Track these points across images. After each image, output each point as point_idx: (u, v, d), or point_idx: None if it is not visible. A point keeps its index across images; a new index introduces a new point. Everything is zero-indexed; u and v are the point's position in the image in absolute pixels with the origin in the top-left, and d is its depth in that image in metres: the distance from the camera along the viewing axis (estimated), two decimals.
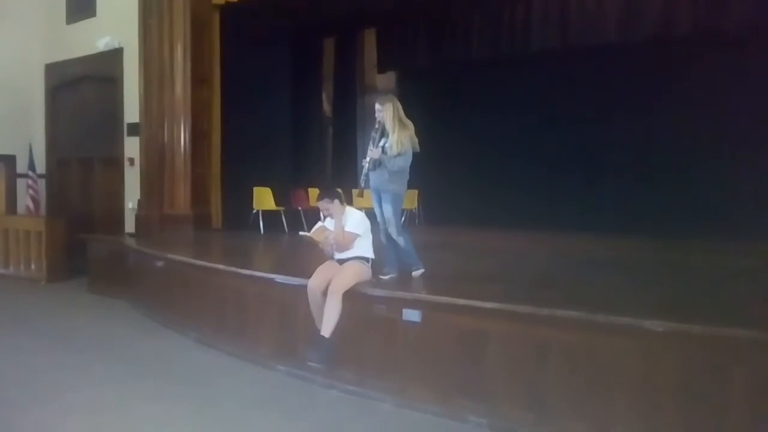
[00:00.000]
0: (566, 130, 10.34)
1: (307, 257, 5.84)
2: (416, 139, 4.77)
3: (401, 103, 4.82)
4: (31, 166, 10.78)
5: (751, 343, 3.18)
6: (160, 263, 6.69)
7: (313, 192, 10.15)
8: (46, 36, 11.04)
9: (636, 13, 9.35)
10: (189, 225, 8.87)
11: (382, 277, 4.79)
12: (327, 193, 4.63)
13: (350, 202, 4.77)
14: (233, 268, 5.58)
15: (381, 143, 4.75)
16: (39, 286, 8.98)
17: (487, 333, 3.91)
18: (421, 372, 4.18)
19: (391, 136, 4.69)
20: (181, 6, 8.86)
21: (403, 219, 5.70)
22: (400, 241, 4.87)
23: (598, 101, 10.09)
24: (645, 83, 9.68)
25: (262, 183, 9.71)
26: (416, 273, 4.92)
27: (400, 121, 4.73)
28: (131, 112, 9.60)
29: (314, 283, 4.47)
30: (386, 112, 4.71)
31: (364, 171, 4.80)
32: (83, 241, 8.69)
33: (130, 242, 7.98)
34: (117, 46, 9.85)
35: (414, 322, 4.20)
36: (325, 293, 4.39)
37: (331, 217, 4.62)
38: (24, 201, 10.86)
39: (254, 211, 9.49)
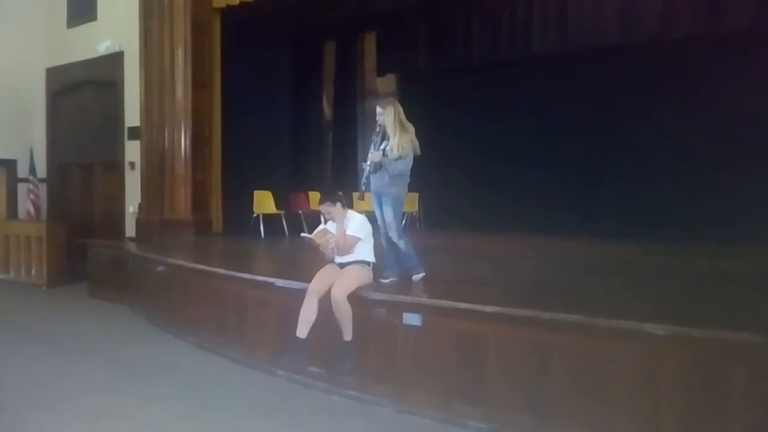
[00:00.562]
0: (566, 134, 10.33)
1: (307, 261, 5.84)
2: (417, 143, 4.77)
3: (401, 107, 4.82)
4: (32, 170, 10.80)
5: (752, 347, 3.17)
6: (160, 268, 6.69)
7: (314, 195, 10.15)
8: (46, 40, 11.07)
9: (635, 17, 9.34)
10: (189, 229, 8.86)
11: (382, 280, 4.78)
12: (329, 197, 4.62)
13: (351, 206, 4.76)
14: (233, 273, 5.57)
15: (382, 146, 4.75)
16: (39, 291, 8.98)
17: (488, 337, 3.90)
18: (421, 377, 4.17)
19: (392, 139, 4.69)
20: (181, 10, 8.87)
21: (403, 222, 5.69)
22: (401, 244, 4.87)
23: (598, 105, 10.08)
24: (645, 87, 9.67)
25: (263, 187, 9.71)
26: (417, 276, 4.92)
27: (401, 124, 4.73)
28: (132, 116, 9.61)
29: (314, 287, 4.46)
30: (387, 115, 4.72)
31: (365, 174, 4.80)
32: (84, 246, 8.70)
33: (131, 247, 7.97)
34: (117, 50, 9.87)
35: (414, 326, 4.19)
36: (323, 298, 4.38)
37: (333, 221, 4.62)
38: (25, 206, 10.88)
39: (255, 215, 9.48)
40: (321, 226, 4.71)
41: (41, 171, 11.06)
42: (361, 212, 4.76)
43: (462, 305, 4.03)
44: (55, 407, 4.25)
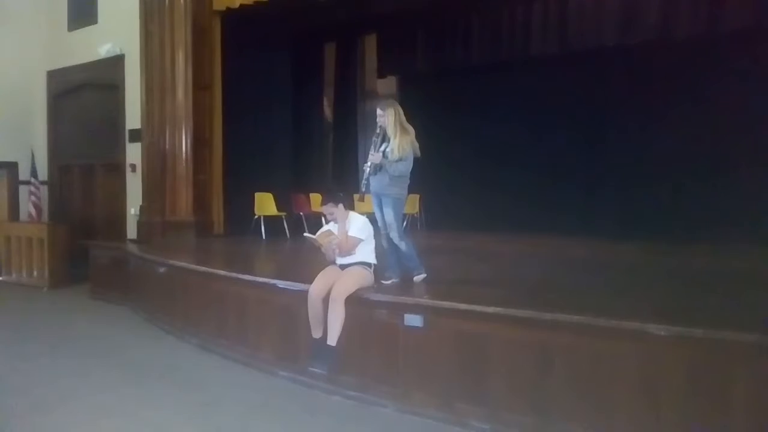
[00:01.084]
0: (566, 135, 10.36)
1: (308, 262, 5.84)
2: (417, 144, 4.78)
3: (401, 108, 4.83)
4: (33, 172, 10.81)
5: (754, 347, 3.17)
6: (161, 269, 6.69)
7: (315, 197, 10.16)
8: (47, 43, 11.09)
9: (635, 18, 9.36)
10: (191, 231, 8.87)
11: (383, 281, 4.79)
12: (331, 198, 4.64)
13: (352, 207, 4.77)
14: (235, 274, 5.58)
15: (382, 148, 4.76)
16: (41, 292, 8.99)
17: (489, 338, 3.90)
18: (422, 377, 4.17)
19: (392, 140, 4.70)
20: (182, 12, 8.88)
21: (404, 224, 5.70)
22: (402, 245, 4.87)
23: (598, 105, 10.11)
24: (645, 87, 9.69)
25: (264, 188, 9.71)
26: (418, 278, 4.92)
27: (402, 126, 4.74)
28: (133, 119, 9.62)
29: (315, 288, 4.47)
30: (388, 117, 4.72)
31: (365, 175, 4.80)
32: (85, 248, 8.71)
33: (132, 248, 7.98)
34: (118, 52, 9.89)
35: (416, 327, 4.20)
36: (326, 299, 4.39)
37: (335, 222, 4.62)
38: (26, 208, 10.88)
39: (256, 217, 9.49)
40: (325, 227, 4.72)
41: (42, 173, 11.07)
42: (361, 213, 4.77)
43: (463, 306, 4.03)
44: (56, 408, 4.26)
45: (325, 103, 12.91)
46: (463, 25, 11.38)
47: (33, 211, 10.76)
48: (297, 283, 4.90)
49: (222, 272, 5.76)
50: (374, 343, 4.41)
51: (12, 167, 11.02)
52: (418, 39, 12.01)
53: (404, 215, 5.41)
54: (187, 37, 8.88)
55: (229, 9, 9.09)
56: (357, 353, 4.42)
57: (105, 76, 10.18)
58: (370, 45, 12.91)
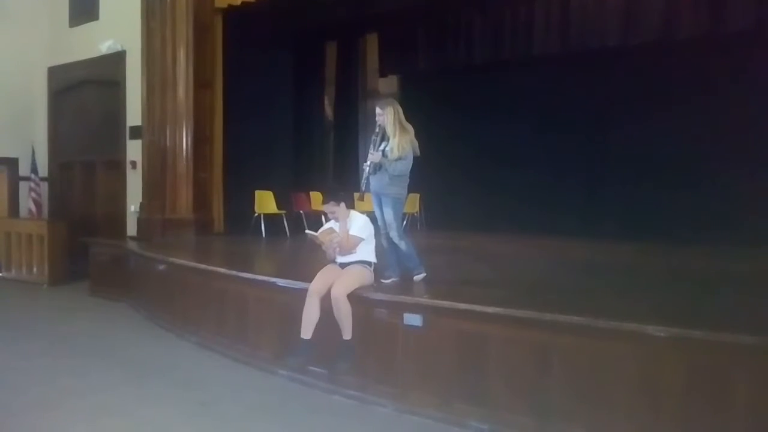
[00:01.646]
0: (567, 135, 10.34)
1: (308, 261, 5.84)
2: (417, 143, 4.78)
3: (402, 108, 4.83)
4: (34, 169, 10.81)
5: (752, 348, 3.17)
6: (161, 267, 6.70)
7: (315, 195, 10.15)
8: (48, 39, 11.09)
9: (637, 18, 9.34)
10: (191, 229, 8.87)
11: (383, 281, 4.79)
12: (333, 196, 4.64)
13: (352, 206, 4.77)
14: (234, 272, 5.58)
15: (381, 147, 4.76)
16: (41, 289, 8.99)
17: (489, 338, 3.90)
18: (422, 377, 4.17)
19: (391, 140, 4.70)
20: (183, 9, 8.88)
21: (404, 223, 5.70)
22: (402, 245, 4.87)
23: (599, 106, 10.10)
24: (646, 88, 9.67)
25: (264, 186, 9.70)
26: (418, 277, 4.92)
27: (401, 125, 4.75)
28: (133, 116, 9.62)
29: (315, 287, 4.47)
30: (387, 116, 4.73)
31: (365, 174, 4.81)
32: (85, 245, 8.72)
33: (132, 246, 7.98)
34: (119, 49, 9.89)
35: (415, 327, 4.20)
36: (324, 298, 4.39)
37: (336, 220, 4.62)
38: (26, 204, 10.88)
39: (256, 215, 9.49)
40: (327, 225, 4.71)
41: (43, 170, 11.07)
42: (361, 212, 4.76)
43: (463, 306, 4.03)
44: (55, 406, 4.26)
45: (326, 101, 12.88)
46: (464, 24, 11.36)
47: (33, 208, 10.76)
48: (297, 282, 4.90)
49: (222, 270, 5.76)
50: (373, 343, 4.41)
51: (12, 163, 11.02)
52: (419, 38, 11.99)
53: (404, 214, 5.40)
54: (189, 34, 8.88)
55: (230, 7, 9.08)
56: (355, 351, 4.40)
57: (106, 72, 10.18)
58: (372, 44, 12.89)
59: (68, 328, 6.66)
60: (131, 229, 9.55)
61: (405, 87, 12.76)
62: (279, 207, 9.77)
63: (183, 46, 8.89)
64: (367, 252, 4.66)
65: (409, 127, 4.80)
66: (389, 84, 12.94)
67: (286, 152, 11.24)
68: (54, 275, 9.16)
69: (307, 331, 4.39)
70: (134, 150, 9.66)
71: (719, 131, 8.91)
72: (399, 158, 4.66)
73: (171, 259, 6.56)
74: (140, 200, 9.39)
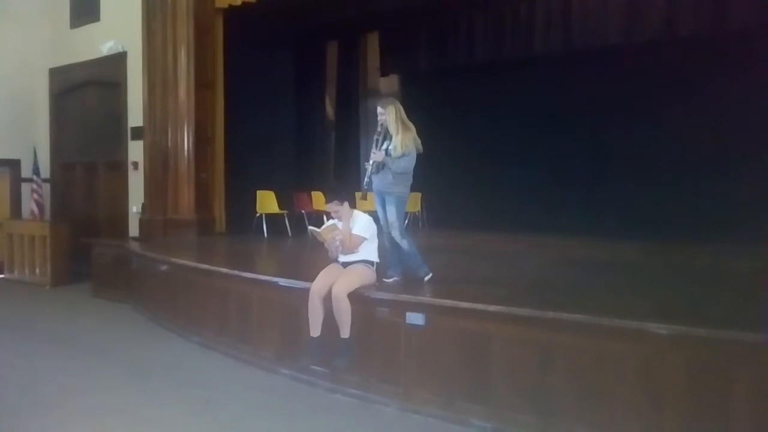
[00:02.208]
0: (568, 134, 10.33)
1: (310, 261, 5.85)
2: (419, 140, 4.81)
3: (404, 107, 4.84)
4: (36, 170, 10.80)
5: (754, 346, 3.17)
6: (163, 267, 6.70)
7: (317, 195, 10.17)
8: (49, 40, 11.08)
9: (638, 17, 9.34)
10: (193, 229, 8.87)
11: (385, 280, 4.80)
12: (338, 195, 4.64)
13: (355, 205, 4.77)
14: (237, 272, 5.59)
15: (384, 146, 4.77)
16: (43, 290, 9.01)
17: (491, 336, 3.90)
18: (424, 376, 4.18)
19: (394, 137, 4.71)
20: (184, 10, 8.87)
21: (406, 222, 5.70)
22: (404, 244, 4.88)
23: (601, 104, 10.06)
24: (648, 86, 9.65)
25: (266, 186, 9.71)
26: (427, 277, 4.91)
27: (403, 122, 4.77)
28: (135, 116, 9.62)
29: (317, 286, 4.47)
30: (389, 115, 4.74)
31: (367, 174, 4.82)
32: (87, 246, 8.73)
33: (134, 246, 7.99)
34: (121, 50, 9.88)
35: (418, 326, 4.20)
36: (327, 297, 4.39)
37: (339, 219, 4.63)
38: (28, 205, 10.88)
39: (258, 215, 9.50)
40: (330, 222, 4.71)
41: (45, 171, 11.06)
42: (363, 212, 4.77)
43: (465, 304, 4.04)
44: (58, 406, 4.27)
45: (327, 101, 12.89)
46: (465, 23, 11.36)
47: (35, 209, 10.75)
48: (299, 281, 4.91)
49: (224, 270, 5.77)
50: (376, 342, 4.42)
51: (14, 165, 11.02)
52: (420, 37, 11.99)
53: (406, 214, 5.41)
54: (190, 34, 8.87)
55: (231, 7, 9.07)
56: (358, 351, 4.41)
57: (107, 73, 10.18)
58: (373, 43, 12.90)
59: (71, 328, 6.68)
60: (133, 229, 9.55)
61: (406, 86, 12.76)
62: (280, 207, 9.78)
63: (184, 47, 8.89)
64: (369, 251, 4.66)
65: (411, 125, 4.82)
66: (390, 83, 12.94)
67: (287, 152, 11.25)
68: (56, 276, 9.18)
69: (315, 330, 4.42)
70: (136, 151, 9.66)
71: (721, 130, 8.91)
72: (402, 155, 4.67)
73: (173, 260, 6.57)
74: (142, 201, 9.39)
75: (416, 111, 5.38)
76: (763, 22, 8.27)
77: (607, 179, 10.19)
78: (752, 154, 8.55)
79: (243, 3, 8.87)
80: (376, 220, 4.86)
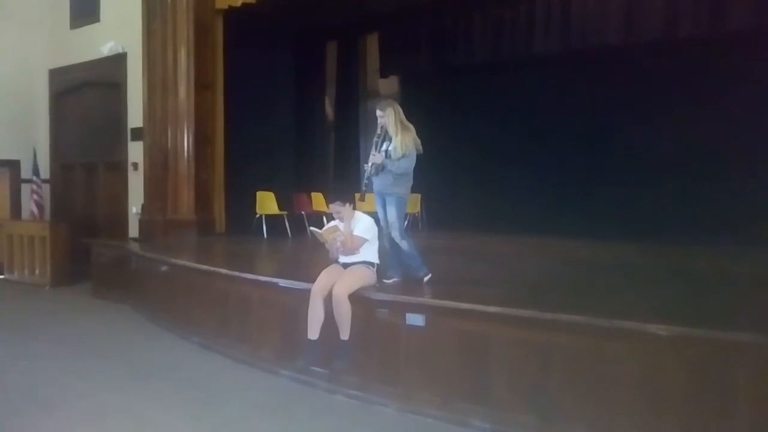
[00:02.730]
0: (568, 134, 10.33)
1: (310, 262, 5.85)
2: (419, 141, 4.82)
3: (403, 108, 4.86)
4: (36, 171, 10.82)
5: (753, 347, 3.17)
6: (163, 268, 6.71)
7: (316, 196, 10.18)
8: (49, 41, 11.10)
9: (638, 18, 9.34)
10: (192, 230, 8.87)
11: (385, 281, 4.81)
12: (340, 196, 4.64)
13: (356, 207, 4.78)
14: (236, 273, 5.59)
15: (384, 147, 4.78)
16: (43, 291, 9.01)
17: (491, 337, 3.91)
18: (424, 376, 4.18)
19: (394, 139, 4.73)
20: (184, 11, 8.89)
21: (406, 223, 5.71)
22: (404, 245, 4.88)
23: (600, 105, 10.07)
24: (647, 87, 9.66)
25: (266, 187, 9.72)
26: (426, 278, 4.92)
27: (402, 124, 4.78)
28: (135, 117, 9.63)
29: (318, 287, 4.47)
30: (388, 116, 4.76)
31: (366, 175, 4.83)
32: (87, 246, 8.73)
33: (134, 247, 7.99)
34: (120, 51, 9.90)
35: (417, 327, 4.20)
36: (327, 298, 4.40)
37: (341, 220, 4.63)
38: (28, 206, 10.89)
39: (257, 216, 9.50)
40: (332, 223, 4.71)
41: (44, 172, 11.08)
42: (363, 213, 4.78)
43: (464, 305, 4.04)
44: (58, 407, 4.27)
45: (327, 102, 12.90)
46: (465, 24, 11.36)
47: (35, 210, 10.77)
48: (299, 282, 4.91)
49: (224, 271, 5.77)
50: (376, 343, 4.42)
51: (14, 165, 11.03)
52: (420, 38, 11.98)
53: (406, 215, 5.41)
54: (189, 35, 8.88)
55: (231, 7, 9.08)
56: (358, 352, 4.42)
57: (107, 74, 10.19)
58: (372, 44, 12.89)
59: (71, 329, 6.68)
60: (133, 230, 9.56)
61: (405, 87, 12.75)
62: (280, 208, 9.79)
63: (184, 48, 8.90)
64: (370, 253, 4.67)
65: (410, 126, 4.83)
66: (390, 84, 12.93)
67: (287, 153, 11.26)
68: (56, 277, 9.18)
69: (313, 332, 4.41)
70: (135, 151, 9.67)
71: (721, 131, 8.90)
72: (402, 156, 4.68)
73: (173, 260, 6.58)
74: (142, 201, 9.40)
75: (416, 112, 5.39)
76: (763, 22, 8.28)
77: (606, 180, 10.18)
78: (752, 155, 8.55)
79: (243, 4, 8.88)
80: (377, 221, 4.87)
